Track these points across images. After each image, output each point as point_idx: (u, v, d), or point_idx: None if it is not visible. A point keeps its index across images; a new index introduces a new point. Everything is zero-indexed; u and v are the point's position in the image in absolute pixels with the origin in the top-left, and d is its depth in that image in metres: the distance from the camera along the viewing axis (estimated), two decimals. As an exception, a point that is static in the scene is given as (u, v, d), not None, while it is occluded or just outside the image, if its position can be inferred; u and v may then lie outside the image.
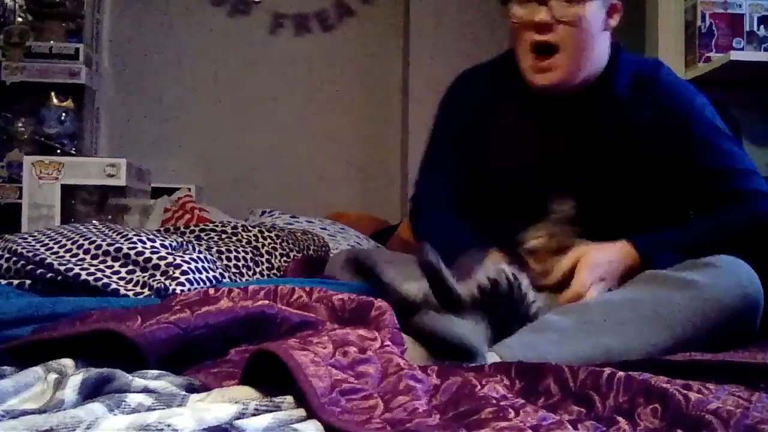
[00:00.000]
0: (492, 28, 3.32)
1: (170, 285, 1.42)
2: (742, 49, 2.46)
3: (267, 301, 1.14)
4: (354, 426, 0.77)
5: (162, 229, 2.10)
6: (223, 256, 1.74)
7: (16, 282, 1.50)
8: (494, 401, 0.88)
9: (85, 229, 1.63)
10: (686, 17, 2.57)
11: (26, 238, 1.59)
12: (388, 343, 0.99)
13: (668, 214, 1.59)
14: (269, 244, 1.88)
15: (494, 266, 1.30)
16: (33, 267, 1.49)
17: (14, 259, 1.52)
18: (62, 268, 1.46)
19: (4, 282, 1.50)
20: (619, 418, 0.84)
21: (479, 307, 1.22)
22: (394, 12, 3.74)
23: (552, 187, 1.54)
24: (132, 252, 1.50)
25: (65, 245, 1.54)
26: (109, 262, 1.50)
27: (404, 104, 3.67)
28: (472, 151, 1.66)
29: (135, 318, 1.04)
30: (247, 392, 0.86)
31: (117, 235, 1.58)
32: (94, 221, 1.93)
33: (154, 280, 1.45)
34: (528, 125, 1.64)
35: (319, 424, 0.77)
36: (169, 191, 3.02)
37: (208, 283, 1.49)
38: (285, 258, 1.87)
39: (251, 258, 1.80)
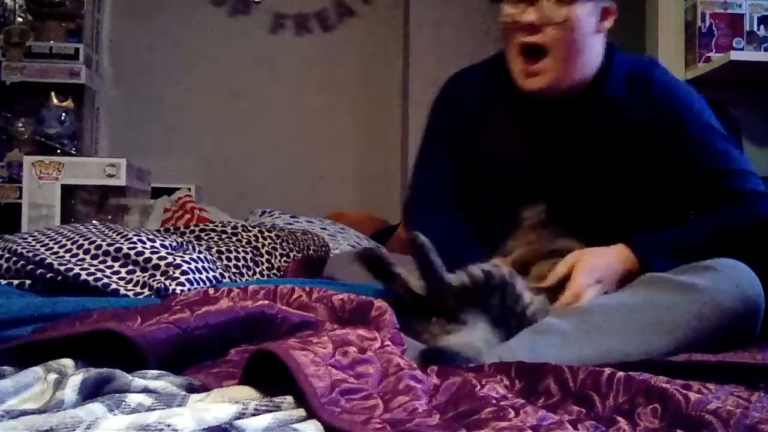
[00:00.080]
0: (492, 29, 3.32)
1: (170, 285, 1.42)
2: (742, 49, 2.46)
3: (267, 301, 1.14)
4: (354, 426, 0.77)
5: (162, 229, 2.10)
6: (223, 256, 1.74)
7: (16, 282, 1.50)
8: (494, 401, 0.88)
9: (85, 229, 1.63)
10: (686, 17, 2.57)
11: (26, 238, 1.59)
12: (388, 343, 0.99)
13: (666, 215, 1.58)
14: (269, 244, 1.88)
15: (491, 263, 1.31)
16: (33, 267, 1.49)
17: (14, 259, 1.52)
18: (62, 268, 1.46)
19: (4, 282, 1.50)
20: (619, 418, 0.84)
21: (469, 296, 1.23)
22: (394, 12, 3.74)
23: (544, 191, 1.54)
24: (132, 252, 1.50)
25: (65, 245, 1.54)
26: (109, 262, 1.50)
27: (404, 105, 3.67)
28: (465, 152, 1.65)
29: (135, 318, 1.04)
30: (247, 392, 0.86)
31: (117, 235, 1.58)
32: (94, 221, 1.93)
33: (154, 280, 1.45)
34: (519, 128, 1.63)
35: (319, 424, 0.77)
36: (169, 191, 3.02)
37: (208, 283, 1.49)
38: (285, 258, 1.87)
39: (251, 258, 1.80)
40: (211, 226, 1.97)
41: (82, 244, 1.53)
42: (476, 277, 1.25)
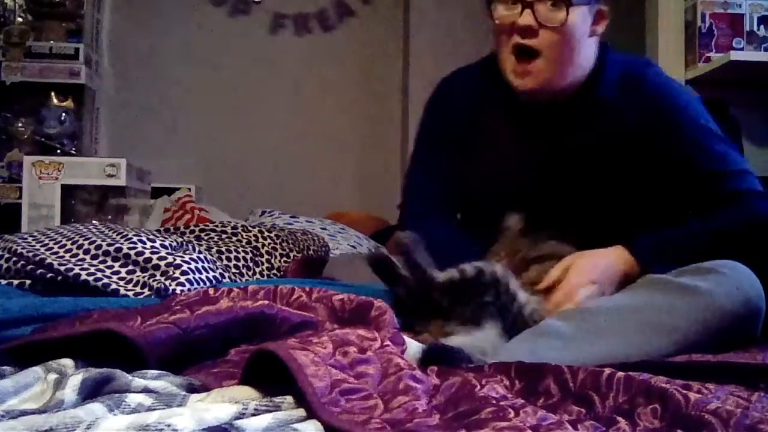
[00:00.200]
0: (492, 29, 3.32)
1: (170, 285, 1.42)
2: (742, 49, 2.46)
3: (267, 301, 1.14)
4: (354, 426, 0.77)
5: (162, 229, 2.10)
6: (223, 257, 1.74)
7: (16, 282, 1.50)
8: (494, 401, 0.88)
9: (85, 229, 1.63)
10: (686, 17, 2.57)
11: (26, 238, 1.59)
12: (388, 343, 0.99)
13: (662, 216, 1.58)
14: (269, 244, 1.88)
15: (486, 262, 1.31)
16: (33, 267, 1.49)
17: (14, 259, 1.52)
18: (62, 268, 1.46)
19: (4, 282, 1.49)
20: (619, 418, 0.84)
21: (460, 293, 1.24)
22: (394, 12, 3.75)
23: (537, 192, 1.54)
24: (132, 252, 1.50)
25: (65, 245, 1.54)
26: (109, 262, 1.50)
27: (404, 104, 3.67)
28: (459, 153, 1.64)
29: (135, 318, 1.04)
30: (247, 392, 0.86)
31: (117, 235, 1.57)
32: (94, 221, 1.93)
33: (154, 280, 1.45)
34: (513, 129, 1.62)
35: (319, 424, 0.77)
36: (169, 191, 3.02)
37: (208, 283, 1.49)
38: (285, 258, 1.87)
39: (251, 258, 1.80)
40: (211, 226, 1.97)
41: (82, 244, 1.53)
42: (466, 273, 1.25)
